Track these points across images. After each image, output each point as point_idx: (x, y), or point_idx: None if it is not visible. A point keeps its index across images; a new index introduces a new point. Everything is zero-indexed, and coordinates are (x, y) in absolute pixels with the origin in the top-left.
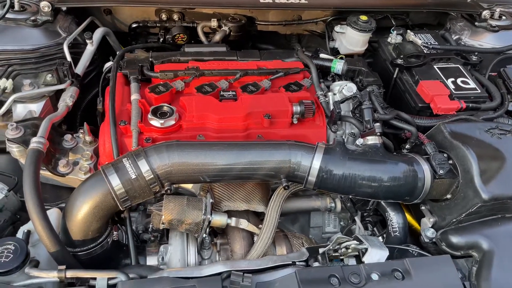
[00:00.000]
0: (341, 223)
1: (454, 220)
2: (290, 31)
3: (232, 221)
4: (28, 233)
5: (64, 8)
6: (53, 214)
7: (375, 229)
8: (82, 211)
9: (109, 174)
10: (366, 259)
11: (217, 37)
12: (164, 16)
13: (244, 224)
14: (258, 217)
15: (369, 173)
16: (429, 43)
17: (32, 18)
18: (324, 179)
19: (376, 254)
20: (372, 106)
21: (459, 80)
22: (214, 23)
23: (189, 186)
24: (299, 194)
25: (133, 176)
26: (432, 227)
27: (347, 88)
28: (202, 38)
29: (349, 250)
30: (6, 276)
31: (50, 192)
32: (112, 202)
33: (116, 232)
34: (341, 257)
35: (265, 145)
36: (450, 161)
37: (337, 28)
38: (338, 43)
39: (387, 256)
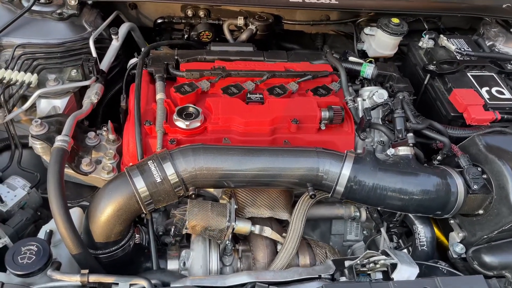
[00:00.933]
0: (364, 232)
1: (485, 236)
2: (316, 31)
3: (256, 229)
4: (50, 233)
5: (90, 2)
6: (75, 213)
7: (400, 241)
8: (106, 213)
9: (134, 176)
10: (396, 276)
11: (244, 36)
12: (189, 13)
13: (268, 232)
14: (280, 224)
15: (400, 186)
16: (462, 49)
17: (58, 11)
18: (353, 190)
19: (406, 271)
20: (404, 115)
21: (493, 90)
22: (240, 21)
23: (211, 189)
24: (322, 200)
25: (158, 180)
26: (461, 242)
27: (378, 94)
28: (228, 36)
29: (377, 266)
30: (28, 278)
31: (72, 190)
32: (136, 205)
33: (138, 235)
34: (368, 272)
35: (293, 152)
36: (484, 176)
37: (367, 30)
38: (367, 46)
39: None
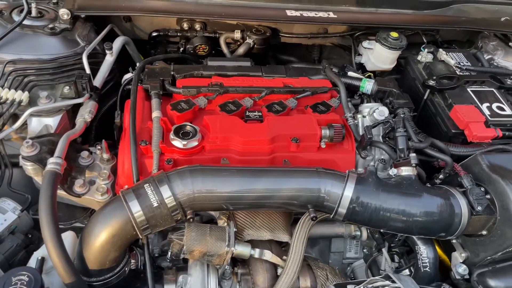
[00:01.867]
0: (364, 250)
1: (489, 258)
2: (313, 43)
3: (256, 253)
4: (42, 261)
5: (83, 16)
6: (68, 237)
7: (402, 260)
8: (100, 239)
9: (129, 201)
10: None
11: (241, 50)
12: (185, 26)
13: (268, 255)
14: (280, 246)
15: (403, 208)
16: (462, 63)
17: (50, 25)
18: (355, 212)
19: None
20: (406, 134)
21: (494, 106)
22: (237, 34)
23: None
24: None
25: (155, 204)
26: (463, 262)
27: (379, 112)
28: (225, 49)
29: None
30: None
31: (64, 211)
32: (131, 231)
33: (133, 261)
34: None
35: (293, 173)
36: (488, 196)
37: (365, 43)
38: (365, 59)
39: None
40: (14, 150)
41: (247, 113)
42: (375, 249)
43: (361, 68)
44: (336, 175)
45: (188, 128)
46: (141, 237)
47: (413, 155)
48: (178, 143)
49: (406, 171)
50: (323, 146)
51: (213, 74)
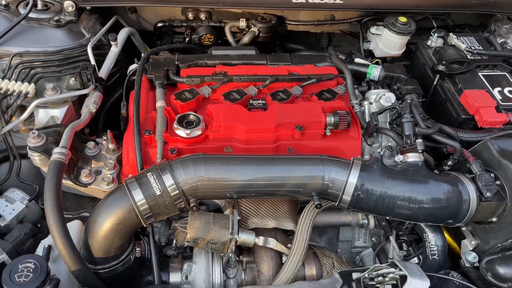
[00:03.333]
0: (373, 238)
1: (499, 245)
2: (321, 30)
3: (260, 240)
4: (49, 249)
5: (88, 7)
6: (75, 226)
7: (410, 248)
8: (104, 228)
9: (132, 189)
10: None
11: (246, 38)
12: (190, 15)
13: (272, 243)
14: (285, 234)
15: (409, 194)
16: (473, 48)
17: (56, 18)
18: (360, 199)
19: (416, 285)
20: (413, 120)
21: (506, 90)
22: (242, 23)
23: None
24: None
25: (158, 192)
26: (473, 250)
27: (385, 98)
28: (230, 38)
29: (386, 279)
30: None
31: (72, 201)
32: (135, 219)
33: (139, 249)
34: (377, 286)
35: (297, 160)
36: (498, 182)
37: (373, 29)
38: (373, 45)
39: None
40: (23, 142)
41: (251, 101)
42: (383, 237)
43: (370, 55)
44: (340, 162)
45: (192, 117)
46: (145, 225)
47: (419, 141)
48: (181, 132)
49: (412, 157)
50: (328, 133)
51: (218, 63)
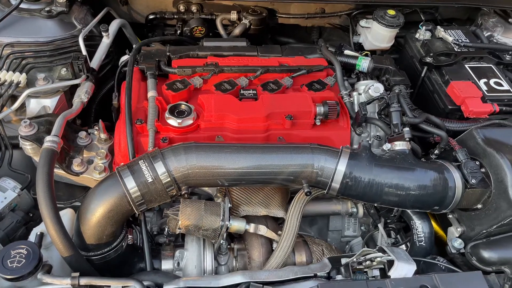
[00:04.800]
0: (362, 227)
1: (484, 231)
2: (311, 24)
3: (251, 227)
4: (41, 236)
5: None
6: (67, 214)
7: (398, 236)
8: (97, 214)
9: (124, 177)
10: (393, 273)
11: (237, 30)
12: (182, 8)
13: (263, 230)
14: (276, 222)
15: (397, 181)
16: (460, 40)
17: (47, 8)
18: (349, 186)
19: (403, 268)
20: (401, 109)
21: (492, 81)
22: (233, 15)
23: (205, 187)
24: (319, 196)
25: (150, 179)
26: (459, 237)
27: (374, 88)
28: (221, 31)
29: (374, 263)
30: (18, 282)
31: (63, 190)
32: (127, 206)
33: (131, 236)
34: (365, 270)
35: (287, 149)
36: (483, 169)
37: (362, 22)
38: (363, 38)
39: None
40: (14, 132)
41: (242, 92)
42: (373, 226)
43: (359, 48)
44: (330, 151)
45: (183, 107)
46: (137, 212)
47: (406, 129)
48: (173, 121)
49: (399, 145)
50: (318, 123)
51: (209, 54)
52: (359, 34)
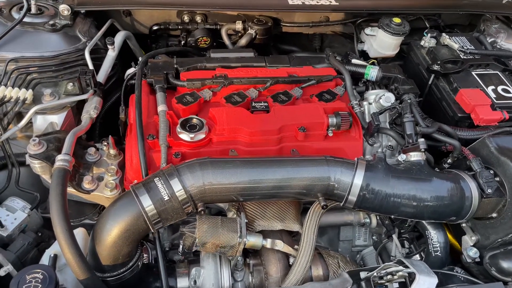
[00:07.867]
0: (373, 237)
1: (500, 240)
2: (313, 31)
3: (268, 243)
4: (55, 258)
5: (83, 11)
6: (79, 234)
7: (412, 246)
8: (112, 235)
9: (140, 195)
10: (415, 287)
11: (243, 41)
12: (186, 18)
13: (279, 245)
14: (290, 235)
15: (414, 193)
16: (465, 47)
17: (51, 22)
18: (366, 199)
19: (425, 282)
20: (414, 119)
21: (499, 88)
22: (239, 25)
23: None
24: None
25: (166, 197)
26: (474, 245)
27: (385, 98)
28: (226, 41)
29: (395, 277)
30: None
31: (73, 208)
32: (143, 225)
33: (146, 255)
34: (386, 284)
35: (302, 162)
36: (497, 178)
37: (367, 30)
38: (368, 46)
39: None
40: (19, 149)
41: (253, 104)
42: (385, 235)
43: (363, 55)
44: (345, 163)
45: (195, 120)
46: (153, 231)
47: (421, 140)
48: (185, 136)
49: (415, 156)
50: (330, 134)
51: (217, 66)
52: (363, 42)
